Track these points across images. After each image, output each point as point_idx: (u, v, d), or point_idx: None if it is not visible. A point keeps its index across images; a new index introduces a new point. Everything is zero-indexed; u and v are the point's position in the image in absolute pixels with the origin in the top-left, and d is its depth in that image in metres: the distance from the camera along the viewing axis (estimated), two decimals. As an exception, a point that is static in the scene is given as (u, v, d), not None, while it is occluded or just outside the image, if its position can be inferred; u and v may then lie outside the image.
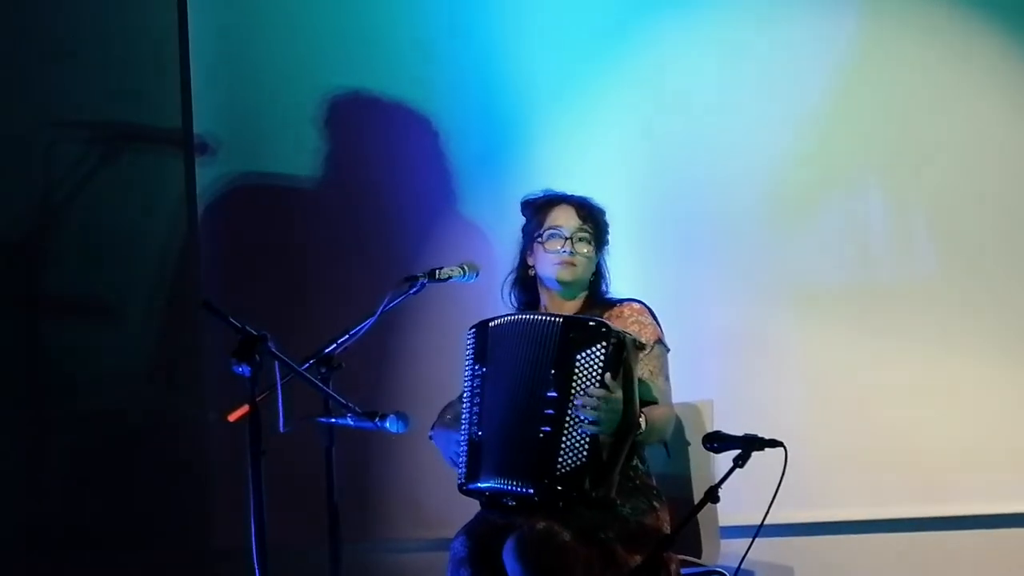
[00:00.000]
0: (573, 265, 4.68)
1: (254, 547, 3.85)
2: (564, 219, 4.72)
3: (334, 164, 5.99)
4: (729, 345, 5.47)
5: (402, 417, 4.18)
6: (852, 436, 5.34)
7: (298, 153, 6.04)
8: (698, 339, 5.42)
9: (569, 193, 4.79)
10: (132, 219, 6.00)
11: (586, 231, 4.70)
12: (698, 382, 5.15)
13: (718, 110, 5.53)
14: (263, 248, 6.01)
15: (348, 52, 5.97)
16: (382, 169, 5.91)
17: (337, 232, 5.94)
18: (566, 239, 4.69)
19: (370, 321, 4.38)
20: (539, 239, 4.72)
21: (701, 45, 5.57)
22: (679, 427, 4.82)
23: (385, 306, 4.44)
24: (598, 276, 4.77)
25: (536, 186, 4.90)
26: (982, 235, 5.32)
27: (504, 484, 4.45)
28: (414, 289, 4.57)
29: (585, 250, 4.69)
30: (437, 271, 4.64)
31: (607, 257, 4.81)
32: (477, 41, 5.80)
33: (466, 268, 4.70)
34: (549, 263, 4.70)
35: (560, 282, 4.70)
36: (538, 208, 4.77)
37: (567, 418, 4.38)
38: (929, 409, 5.28)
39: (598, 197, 5.13)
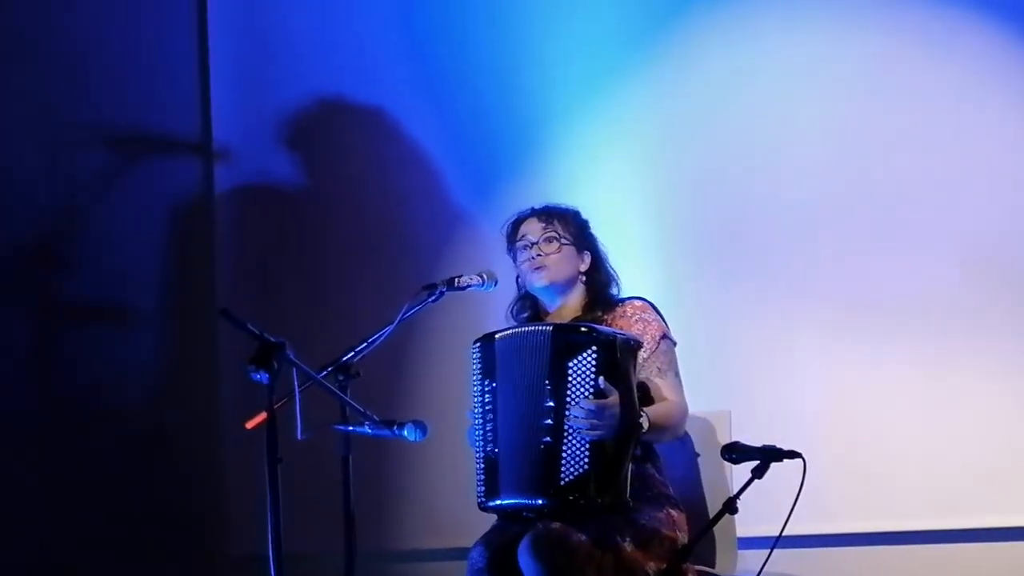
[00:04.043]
0: (544, 267, 4.71)
1: (271, 555, 3.83)
2: (528, 229, 4.78)
3: (353, 171, 6.00)
4: (747, 356, 5.46)
5: (420, 426, 4.18)
6: (870, 448, 5.32)
7: (317, 160, 6.05)
8: (716, 350, 5.41)
9: (535, 205, 4.83)
10: (150, 225, 6.01)
11: (551, 231, 4.74)
12: (716, 392, 5.15)
13: (737, 119, 5.53)
14: (281, 255, 6.03)
15: (368, 60, 5.99)
16: (401, 177, 5.92)
17: (355, 239, 5.95)
18: (532, 245, 4.73)
19: (389, 329, 4.37)
20: (514, 258, 4.79)
21: (721, 53, 5.56)
22: (697, 437, 4.82)
23: (404, 314, 4.43)
24: (598, 276, 4.77)
25: (554, 194, 4.91)
26: (1002, 249, 5.29)
27: (520, 499, 4.47)
28: (433, 297, 4.56)
29: (551, 249, 4.72)
30: (456, 279, 4.63)
31: (606, 258, 4.81)
32: (497, 50, 5.81)
33: (485, 276, 4.69)
34: (526, 274, 4.76)
35: (539, 288, 4.75)
36: (509, 231, 4.83)
37: (565, 427, 4.40)
38: (948, 422, 5.26)
39: (616, 206, 5.15)
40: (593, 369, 4.40)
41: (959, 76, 5.33)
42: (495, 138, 5.81)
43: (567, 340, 4.46)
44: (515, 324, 4.76)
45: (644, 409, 4.48)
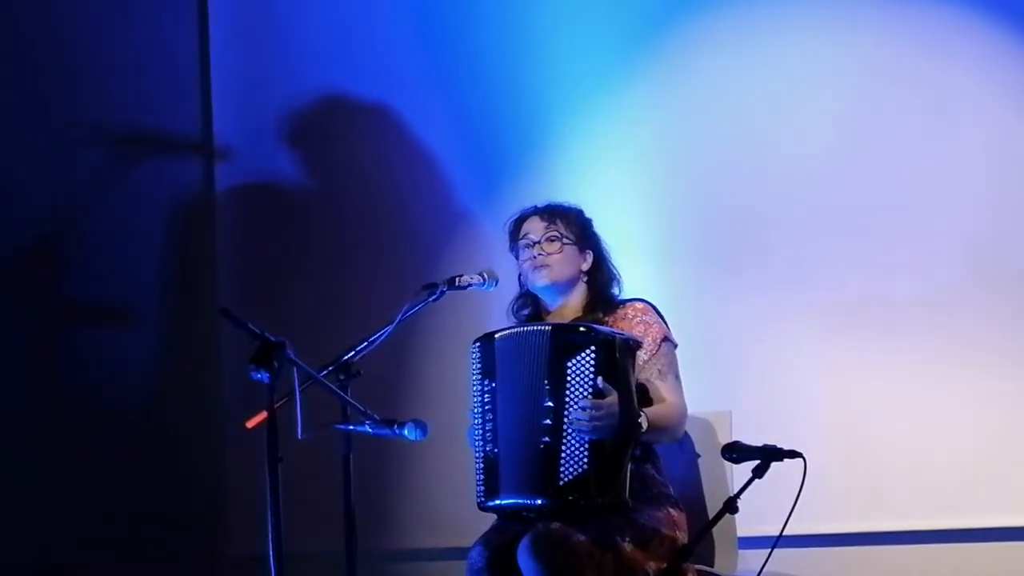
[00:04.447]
0: (545, 266, 4.71)
1: (271, 555, 3.83)
2: (531, 228, 4.78)
3: (353, 171, 6.00)
4: (748, 356, 5.46)
5: (420, 425, 4.18)
6: (871, 447, 5.32)
7: (317, 160, 6.05)
8: (717, 350, 5.41)
9: (538, 204, 4.82)
10: (151, 224, 6.01)
11: (553, 231, 4.73)
12: (716, 392, 5.15)
13: (740, 118, 5.52)
14: (282, 254, 6.03)
15: (369, 60, 5.99)
16: (402, 176, 5.92)
17: (356, 239, 5.95)
18: (534, 244, 4.73)
19: (389, 328, 4.38)
20: (517, 256, 4.80)
21: (721, 53, 5.56)
22: (697, 437, 4.81)
23: (404, 314, 4.43)
24: (599, 276, 4.77)
25: (556, 194, 4.91)
26: (1004, 248, 5.29)
27: (519, 499, 4.48)
28: (434, 297, 4.57)
29: (553, 248, 4.72)
30: (457, 279, 4.64)
31: (608, 257, 4.80)
32: (498, 50, 5.81)
33: (486, 276, 4.69)
34: (527, 273, 4.76)
35: (540, 287, 4.75)
36: (512, 229, 4.84)
37: (564, 427, 4.40)
38: (949, 422, 5.26)
39: (616, 206, 5.13)
40: (592, 369, 4.40)
41: (960, 74, 5.33)
42: (497, 137, 5.81)
43: (566, 340, 4.46)
44: (515, 323, 4.76)
45: (643, 410, 4.48)
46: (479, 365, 4.57)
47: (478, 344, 4.60)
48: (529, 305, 4.83)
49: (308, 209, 6.05)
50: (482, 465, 4.54)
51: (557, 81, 5.72)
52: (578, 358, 4.41)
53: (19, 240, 5.75)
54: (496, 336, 4.58)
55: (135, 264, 5.97)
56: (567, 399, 4.41)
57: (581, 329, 4.49)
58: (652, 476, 4.58)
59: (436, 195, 5.88)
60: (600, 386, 4.38)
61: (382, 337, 4.38)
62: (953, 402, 5.27)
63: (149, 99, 6.03)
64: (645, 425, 4.46)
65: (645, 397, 4.56)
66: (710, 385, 5.12)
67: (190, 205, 6.10)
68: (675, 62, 5.62)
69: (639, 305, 4.72)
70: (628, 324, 4.64)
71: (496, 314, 4.95)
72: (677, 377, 4.66)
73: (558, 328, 4.53)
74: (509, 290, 4.85)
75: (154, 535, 5.86)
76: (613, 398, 4.38)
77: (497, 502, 4.51)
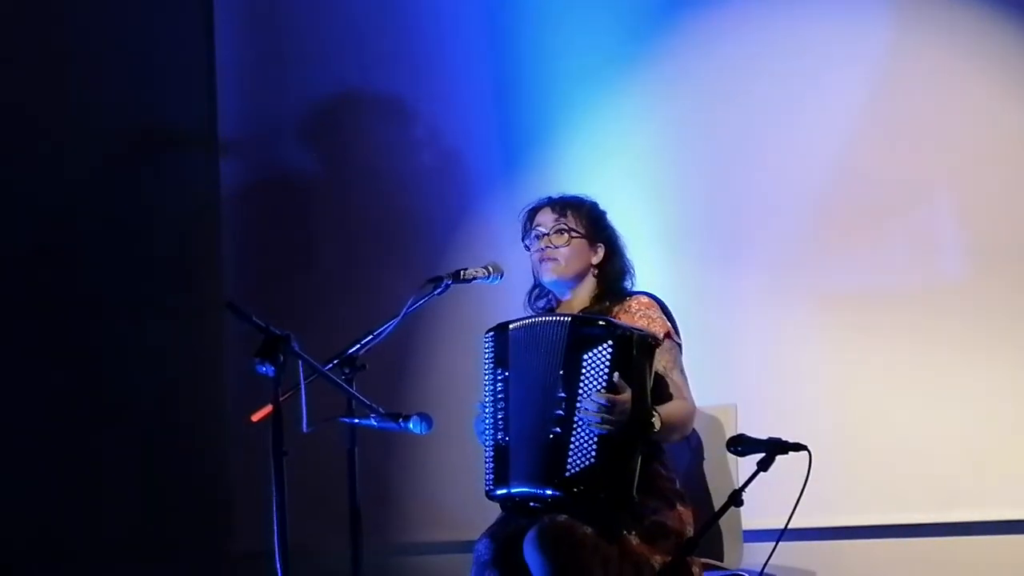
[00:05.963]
0: (554, 260, 4.70)
1: (277, 549, 3.84)
2: (542, 219, 4.76)
3: (358, 165, 6.00)
4: (753, 349, 5.46)
5: (425, 418, 4.19)
6: (876, 440, 5.32)
7: (322, 154, 6.05)
8: (723, 343, 5.41)
9: (552, 195, 4.81)
10: (157, 220, 6.01)
11: (563, 223, 4.72)
12: (722, 386, 5.14)
13: (743, 113, 5.52)
14: (287, 248, 6.03)
15: (373, 56, 5.99)
16: (407, 171, 5.92)
17: (361, 233, 5.95)
18: (544, 236, 4.72)
19: (394, 322, 4.39)
20: (528, 247, 4.78)
21: (726, 47, 5.55)
22: (703, 430, 4.81)
23: (409, 307, 4.44)
24: (611, 269, 4.75)
25: (562, 186, 4.90)
26: (1007, 241, 5.29)
27: (527, 488, 4.47)
28: (439, 290, 4.58)
29: (561, 241, 4.70)
30: (462, 272, 4.64)
31: (622, 251, 4.78)
32: (502, 43, 5.81)
33: (491, 269, 4.70)
34: (537, 265, 4.76)
35: (547, 281, 4.74)
36: (525, 219, 4.82)
37: (575, 419, 4.39)
38: (954, 415, 5.26)
39: (621, 200, 5.10)
40: (607, 363, 4.39)
41: (967, 68, 5.32)
42: (504, 131, 5.80)
43: (584, 333, 4.45)
44: (529, 314, 4.74)
45: (656, 408, 4.46)
46: (492, 354, 4.57)
47: (491, 333, 4.60)
48: (544, 296, 4.83)
49: (313, 203, 6.05)
50: (492, 453, 4.53)
51: (565, 75, 5.72)
52: (594, 351, 4.40)
53: (23, 237, 5.76)
54: (511, 326, 4.58)
55: (140, 259, 5.98)
56: (580, 391, 4.40)
57: (600, 323, 4.47)
58: (659, 472, 4.57)
59: (442, 189, 5.88)
60: (615, 381, 4.37)
61: (387, 330, 4.39)
62: (959, 395, 5.27)
63: (154, 95, 6.03)
64: (658, 425, 4.44)
65: (665, 393, 4.55)
66: (715, 379, 5.12)
67: (195, 199, 6.10)
68: (682, 56, 5.62)
69: (644, 299, 4.70)
70: (630, 317, 4.62)
71: (501, 308, 4.94)
72: (682, 373, 4.65)
73: (577, 320, 4.52)
74: (513, 283, 4.84)
75: (159, 530, 5.86)
76: (627, 394, 4.37)
77: (506, 490, 4.50)
